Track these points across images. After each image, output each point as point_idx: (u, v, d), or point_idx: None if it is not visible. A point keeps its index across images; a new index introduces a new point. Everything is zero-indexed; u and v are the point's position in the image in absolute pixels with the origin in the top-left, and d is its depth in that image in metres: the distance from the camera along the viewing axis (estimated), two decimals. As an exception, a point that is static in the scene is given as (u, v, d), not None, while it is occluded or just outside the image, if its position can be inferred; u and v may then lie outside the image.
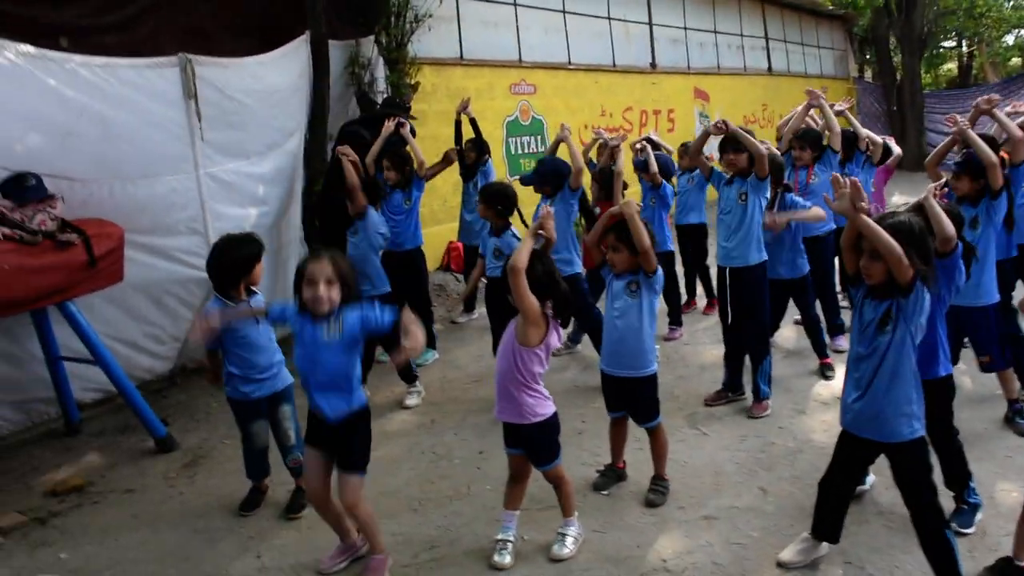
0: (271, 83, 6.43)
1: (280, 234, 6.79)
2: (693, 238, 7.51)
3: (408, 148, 6.37)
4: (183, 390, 6.21)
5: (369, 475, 3.73)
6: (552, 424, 3.71)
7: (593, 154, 7.35)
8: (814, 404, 5.45)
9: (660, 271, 4.10)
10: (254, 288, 4.24)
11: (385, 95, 7.86)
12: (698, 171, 6.62)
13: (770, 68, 17.99)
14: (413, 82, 8.04)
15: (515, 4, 10.89)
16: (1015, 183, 5.11)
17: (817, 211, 5.54)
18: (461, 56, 9.90)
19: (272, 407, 4.28)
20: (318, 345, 3.44)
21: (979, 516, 3.84)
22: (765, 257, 5.34)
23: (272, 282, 6.45)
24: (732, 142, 5.28)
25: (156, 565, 3.89)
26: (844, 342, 6.22)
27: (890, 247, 3.00)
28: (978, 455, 4.48)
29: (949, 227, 3.36)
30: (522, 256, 3.46)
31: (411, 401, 5.78)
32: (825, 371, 5.95)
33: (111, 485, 4.78)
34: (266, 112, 6.40)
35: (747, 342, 5.37)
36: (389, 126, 6.21)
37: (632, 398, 4.25)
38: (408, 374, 5.81)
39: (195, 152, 5.80)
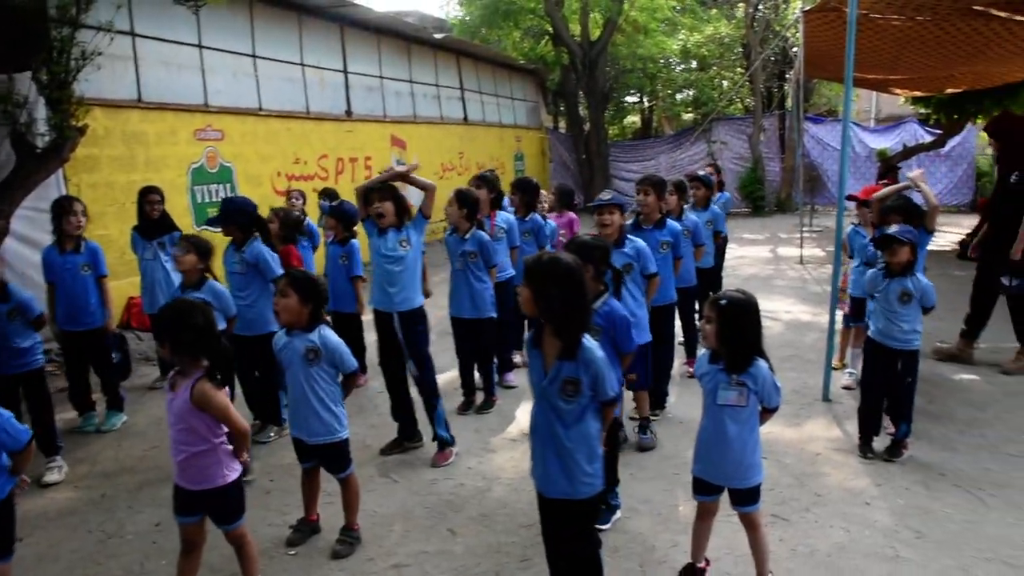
0: None
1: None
2: None
3: None
4: None
5: (21, 565, 3.29)
6: (238, 485, 3.52)
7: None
8: (503, 441, 5.65)
9: (332, 336, 4.01)
10: None
11: (47, 137, 7.14)
12: None
13: (466, 117, 18.75)
14: (80, 124, 7.39)
15: (200, 46, 10.44)
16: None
17: None
18: (139, 98, 9.30)
19: None
20: None
21: (617, 515, 4.27)
22: (422, 302, 5.36)
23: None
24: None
25: None
26: (513, 377, 6.61)
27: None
28: (651, 475, 4.89)
29: None
30: None
31: (51, 477, 5.22)
32: (485, 406, 6.27)
33: None
34: None
35: (419, 388, 5.40)
36: None
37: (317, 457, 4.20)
38: (49, 444, 5.28)
39: None
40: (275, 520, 4.52)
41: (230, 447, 3.47)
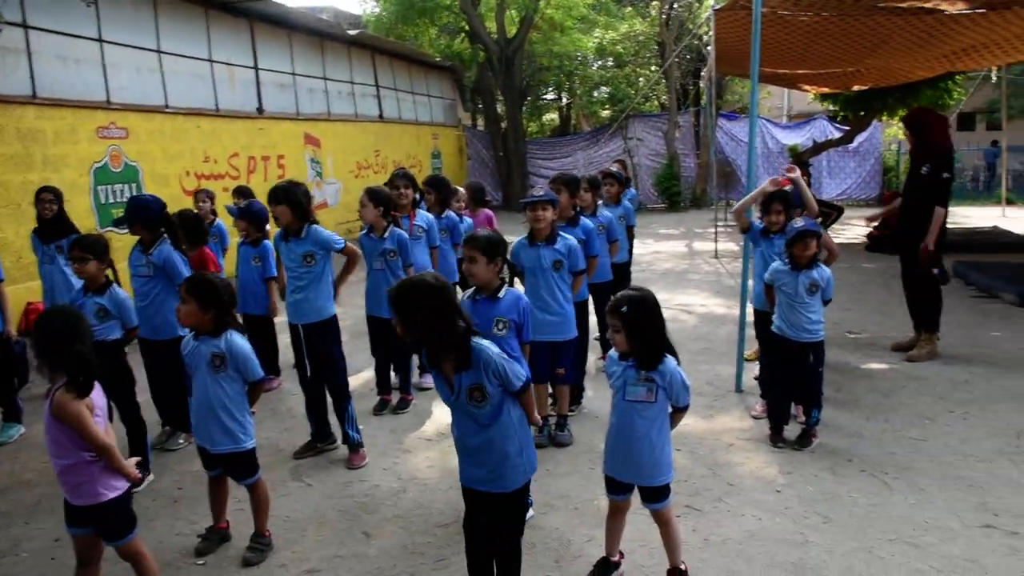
0: None
1: None
2: None
3: None
4: None
5: None
6: (120, 502, 3.33)
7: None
8: (419, 441, 5.57)
9: (240, 343, 3.88)
10: None
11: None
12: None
13: (382, 115, 18.53)
14: (-31, 121, 7.06)
15: (101, 40, 10.06)
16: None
17: None
18: (34, 94, 8.89)
19: None
20: None
21: (530, 513, 4.21)
22: (335, 311, 5.26)
23: None
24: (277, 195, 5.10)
25: None
26: (430, 380, 6.52)
27: None
28: (566, 470, 4.89)
29: None
30: None
31: None
32: (401, 406, 6.17)
33: None
34: None
35: (330, 390, 5.30)
36: None
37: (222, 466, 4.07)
38: None
39: None
40: (183, 529, 4.36)
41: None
